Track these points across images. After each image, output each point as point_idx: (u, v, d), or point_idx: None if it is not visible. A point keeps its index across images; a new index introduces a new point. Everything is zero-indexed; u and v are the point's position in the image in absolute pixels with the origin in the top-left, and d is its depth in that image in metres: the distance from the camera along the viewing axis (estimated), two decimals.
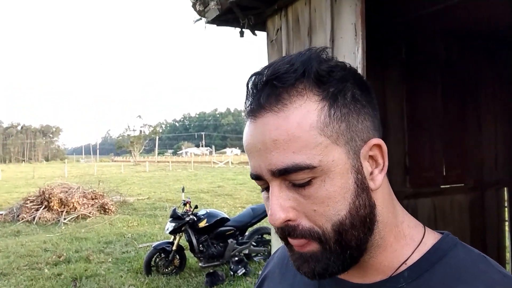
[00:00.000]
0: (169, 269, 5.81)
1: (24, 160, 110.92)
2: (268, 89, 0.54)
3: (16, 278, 5.84)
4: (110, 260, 6.74)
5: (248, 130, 0.57)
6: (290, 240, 0.57)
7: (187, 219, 5.78)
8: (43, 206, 10.52)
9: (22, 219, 10.22)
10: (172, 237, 5.86)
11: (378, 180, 0.57)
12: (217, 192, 16.14)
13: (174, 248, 5.76)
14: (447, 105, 3.71)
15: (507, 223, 4.21)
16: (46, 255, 7.06)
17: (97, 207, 11.18)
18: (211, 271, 5.59)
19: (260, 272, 0.84)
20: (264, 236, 6.35)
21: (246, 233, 6.30)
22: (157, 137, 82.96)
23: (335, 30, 2.36)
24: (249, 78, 0.57)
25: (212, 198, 14.51)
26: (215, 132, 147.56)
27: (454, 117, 3.76)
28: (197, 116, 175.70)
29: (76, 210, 10.60)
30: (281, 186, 0.55)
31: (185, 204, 6.02)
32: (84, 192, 11.27)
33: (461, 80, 3.79)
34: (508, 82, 4.06)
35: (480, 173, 3.93)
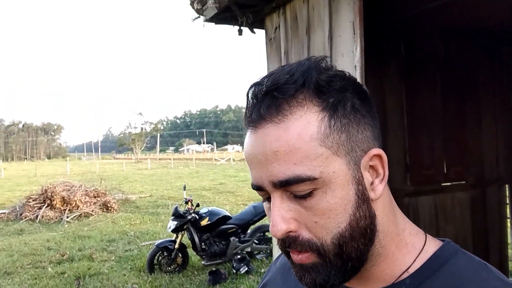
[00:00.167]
0: (172, 267, 5.83)
1: (26, 158, 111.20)
2: (268, 100, 0.54)
3: (20, 277, 5.87)
4: (113, 258, 6.77)
5: (249, 140, 0.57)
6: (292, 253, 0.57)
7: (189, 217, 5.79)
8: (46, 205, 10.55)
9: (25, 217, 10.26)
10: (175, 235, 5.88)
11: (379, 190, 0.57)
12: (219, 190, 16.16)
13: (176, 246, 5.78)
14: (447, 102, 3.70)
15: (508, 220, 4.21)
16: (49, 254, 7.09)
17: (100, 205, 11.21)
18: (214, 269, 5.61)
19: (262, 277, 0.84)
20: (266, 234, 6.36)
21: (248, 231, 6.32)
22: (159, 134, 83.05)
23: (333, 28, 2.36)
24: (249, 88, 0.58)
25: (214, 195, 14.53)
26: (216, 129, 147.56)
27: (454, 114, 3.75)
28: (198, 113, 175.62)
29: (79, 208, 10.63)
30: (282, 197, 0.55)
31: (186, 203, 6.03)
32: (87, 190, 11.30)
33: (460, 77, 3.78)
34: (508, 79, 4.05)
35: (481, 170, 3.92)
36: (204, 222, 5.90)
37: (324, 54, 2.47)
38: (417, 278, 0.58)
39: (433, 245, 0.61)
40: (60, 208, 10.50)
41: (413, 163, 3.51)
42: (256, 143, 0.56)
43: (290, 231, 0.55)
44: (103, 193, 11.73)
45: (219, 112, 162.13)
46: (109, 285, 5.38)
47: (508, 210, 4.20)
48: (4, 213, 10.90)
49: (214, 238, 5.97)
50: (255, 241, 6.23)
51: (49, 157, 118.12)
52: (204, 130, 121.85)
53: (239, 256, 5.83)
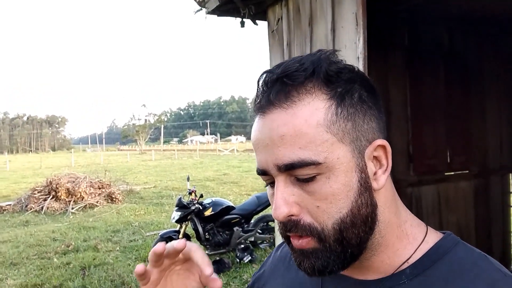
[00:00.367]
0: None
1: (31, 150, 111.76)
2: (278, 86, 0.56)
3: (26, 268, 5.95)
4: (118, 248, 6.83)
5: (257, 126, 0.59)
6: (292, 238, 0.58)
7: (193, 208, 5.83)
8: (51, 196, 10.63)
9: (31, 209, 10.35)
10: (178, 225, 5.92)
11: (381, 181, 0.58)
12: (223, 180, 16.22)
13: (180, 236, 5.81)
14: (451, 92, 3.68)
15: None
16: (54, 245, 7.17)
17: (104, 196, 11.28)
18: (218, 258, 5.66)
19: (258, 269, 0.85)
20: (270, 223, 6.40)
21: (252, 221, 6.35)
22: (162, 126, 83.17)
23: (336, 20, 2.34)
24: (260, 76, 0.59)
25: (218, 186, 14.58)
26: (220, 120, 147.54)
27: (458, 104, 3.73)
28: (201, 104, 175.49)
29: (84, 199, 10.71)
30: (286, 181, 0.56)
31: (190, 193, 6.06)
32: (91, 182, 11.37)
33: (465, 67, 3.76)
34: None
35: (484, 160, 3.92)
36: (208, 213, 5.94)
37: (327, 46, 2.47)
38: (417, 268, 0.58)
39: (434, 236, 0.62)
40: (65, 200, 10.58)
41: (417, 153, 3.51)
42: (263, 128, 0.57)
43: (292, 215, 0.56)
44: (107, 184, 11.80)
45: (222, 103, 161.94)
46: (114, 275, 5.44)
47: (511, 199, 4.20)
48: (10, 204, 11.00)
49: (218, 228, 6.01)
50: (259, 230, 6.27)
51: (53, 149, 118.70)
52: (207, 121, 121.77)
53: (242, 246, 5.88)
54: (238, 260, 5.69)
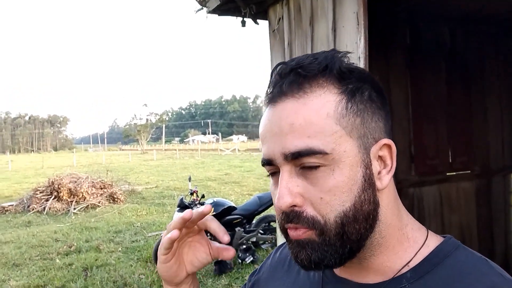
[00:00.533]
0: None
1: (33, 150, 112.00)
2: (292, 77, 0.57)
3: (28, 268, 5.96)
4: (120, 249, 6.84)
5: (266, 116, 0.60)
6: (289, 230, 0.58)
7: (195, 208, 5.82)
8: (53, 197, 10.65)
9: (33, 209, 10.37)
10: None
11: (385, 181, 0.58)
12: (224, 180, 16.22)
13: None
14: (452, 91, 3.67)
15: None
16: (57, 245, 7.18)
17: (106, 197, 11.30)
18: (219, 259, 5.65)
19: (254, 271, 0.84)
20: (271, 224, 6.40)
21: (253, 221, 6.35)
22: (164, 125, 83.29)
23: (337, 19, 2.34)
24: (274, 68, 0.60)
25: (220, 186, 14.59)
26: (221, 119, 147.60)
27: (460, 104, 3.72)
28: (203, 103, 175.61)
29: (86, 200, 10.72)
30: (291, 171, 0.56)
31: (192, 193, 6.06)
32: (93, 182, 11.38)
33: (466, 66, 3.74)
34: None
35: (486, 160, 3.90)
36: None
37: (328, 45, 2.46)
38: (418, 272, 0.58)
39: (434, 240, 0.62)
40: (67, 200, 10.60)
41: (418, 153, 3.50)
42: (273, 117, 0.58)
43: (295, 205, 0.56)
44: (109, 184, 11.82)
45: (224, 103, 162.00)
46: (116, 276, 5.44)
47: None
48: (12, 205, 11.02)
49: None
50: (260, 231, 6.26)
51: (55, 149, 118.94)
52: (209, 120, 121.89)
53: (244, 246, 5.87)
54: (240, 261, 5.69)
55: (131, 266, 5.85)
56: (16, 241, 7.58)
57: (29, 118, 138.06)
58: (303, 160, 0.55)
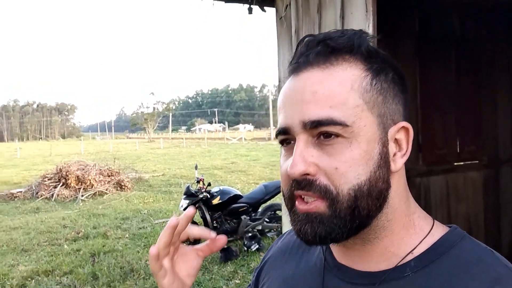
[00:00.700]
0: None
1: (41, 138, 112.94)
2: (320, 48, 0.57)
3: (36, 254, 6.05)
4: (127, 236, 6.91)
5: (288, 85, 0.59)
6: (298, 202, 0.57)
7: (201, 196, 5.86)
8: (61, 184, 10.76)
9: (41, 196, 10.49)
10: None
11: (399, 164, 0.58)
12: (231, 169, 16.27)
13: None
14: (462, 80, 3.62)
15: None
16: (65, 231, 7.27)
17: (114, 184, 11.39)
18: (225, 246, 5.70)
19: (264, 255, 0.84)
20: (277, 212, 6.42)
21: (259, 210, 6.38)
22: (171, 114, 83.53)
23: (345, 6, 2.30)
24: (301, 40, 0.60)
25: (226, 174, 14.64)
26: (228, 108, 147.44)
27: (469, 93, 3.67)
28: (209, 92, 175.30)
29: (93, 187, 10.82)
30: (307, 141, 0.56)
31: (198, 182, 6.09)
32: (101, 169, 11.47)
33: (476, 55, 3.69)
34: None
35: (495, 150, 3.86)
36: (216, 201, 5.97)
37: None
38: (422, 260, 0.58)
39: (440, 230, 0.61)
40: (75, 187, 10.70)
41: (426, 142, 3.47)
42: (295, 85, 0.58)
43: (308, 174, 0.55)
44: (117, 172, 11.90)
45: (230, 92, 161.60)
46: (123, 262, 5.50)
47: None
48: (21, 191, 11.15)
49: (226, 216, 6.05)
50: (266, 219, 6.29)
51: (63, 137, 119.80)
52: (215, 109, 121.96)
53: (250, 234, 5.91)
54: (245, 249, 5.73)
55: (138, 252, 5.92)
56: (24, 227, 7.69)
57: (37, 106, 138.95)
58: (322, 129, 0.54)
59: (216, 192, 6.10)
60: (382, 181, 0.56)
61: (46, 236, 7.04)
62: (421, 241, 0.59)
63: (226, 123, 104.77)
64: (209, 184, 6.20)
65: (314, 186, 0.55)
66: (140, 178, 13.30)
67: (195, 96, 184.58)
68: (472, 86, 3.70)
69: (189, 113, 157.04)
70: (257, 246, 5.72)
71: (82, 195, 10.42)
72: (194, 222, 5.89)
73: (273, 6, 3.06)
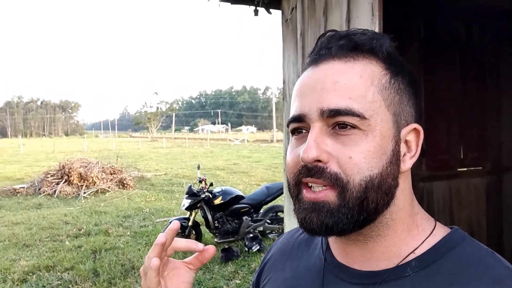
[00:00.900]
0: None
1: (44, 135, 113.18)
2: (342, 41, 0.58)
3: (38, 249, 6.07)
4: (128, 233, 6.93)
5: (306, 74, 0.60)
6: (305, 190, 0.57)
7: (203, 196, 5.88)
8: (63, 180, 10.80)
9: (43, 192, 10.53)
10: (188, 213, 5.98)
11: (408, 164, 0.59)
12: (233, 170, 16.28)
13: (190, 223, 5.88)
14: (466, 86, 3.63)
15: None
16: (66, 228, 7.30)
17: (116, 182, 11.42)
18: (226, 246, 5.71)
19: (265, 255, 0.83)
20: (279, 214, 6.42)
21: (261, 211, 6.38)
22: (174, 114, 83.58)
23: (351, 10, 2.32)
24: (322, 35, 0.62)
25: (228, 175, 14.65)
26: (231, 109, 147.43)
27: (473, 99, 3.68)
28: (213, 93, 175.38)
29: (95, 184, 10.85)
30: (322, 129, 0.56)
31: (200, 181, 6.11)
32: (103, 167, 11.50)
33: (481, 61, 3.69)
34: None
35: (498, 156, 3.86)
36: (218, 201, 5.99)
37: None
38: (424, 261, 0.58)
39: (441, 231, 0.62)
40: (77, 184, 10.73)
41: (429, 147, 3.47)
42: (315, 74, 0.58)
43: (320, 161, 0.55)
44: (119, 170, 11.93)
45: (234, 93, 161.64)
46: (124, 259, 5.52)
47: None
48: (23, 187, 11.20)
49: (227, 216, 6.06)
50: (268, 220, 6.30)
51: (66, 134, 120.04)
52: (219, 110, 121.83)
53: (251, 235, 5.92)
54: (246, 249, 5.73)
55: (139, 250, 5.94)
56: (26, 223, 7.72)
57: (41, 103, 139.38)
58: (340, 119, 0.55)
59: (218, 192, 6.12)
60: (392, 178, 0.57)
61: (48, 232, 7.06)
62: (423, 242, 0.59)
63: (229, 124, 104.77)
64: (211, 184, 6.22)
65: (325, 174, 0.55)
66: (143, 176, 13.33)
67: (198, 96, 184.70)
68: (476, 92, 3.71)
69: (192, 114, 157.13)
70: (258, 247, 5.73)
71: (84, 192, 10.45)
72: (196, 222, 5.92)
73: (279, 9, 3.06)
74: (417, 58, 3.44)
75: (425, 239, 0.60)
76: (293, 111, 0.60)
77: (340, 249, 0.65)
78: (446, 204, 3.57)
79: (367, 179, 0.55)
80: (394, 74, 0.58)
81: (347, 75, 0.56)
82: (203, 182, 6.08)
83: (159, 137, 61.97)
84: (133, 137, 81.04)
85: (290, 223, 2.98)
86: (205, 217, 5.98)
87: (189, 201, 5.87)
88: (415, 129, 0.60)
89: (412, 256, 0.59)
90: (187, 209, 5.91)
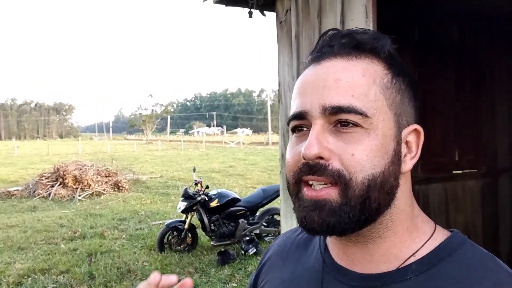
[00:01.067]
0: (182, 246, 5.93)
1: (38, 137, 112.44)
2: (345, 40, 0.58)
3: (33, 252, 6.03)
4: (124, 236, 6.90)
5: (308, 72, 0.60)
6: (305, 189, 0.56)
7: (199, 198, 5.87)
8: (58, 183, 10.73)
9: (38, 195, 10.46)
10: (184, 215, 5.97)
11: (408, 165, 0.59)
12: (229, 172, 16.25)
13: (186, 226, 5.87)
14: (461, 89, 3.65)
15: None
16: (62, 231, 7.25)
17: (111, 185, 11.36)
18: (223, 249, 5.70)
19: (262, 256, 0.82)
20: (275, 216, 6.42)
21: (257, 214, 6.38)
22: (169, 116, 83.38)
23: (345, 12, 2.33)
24: (324, 33, 0.61)
25: (224, 178, 14.62)
26: (226, 112, 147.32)
27: (468, 102, 3.70)
28: (208, 96, 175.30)
29: (90, 187, 10.80)
30: (324, 127, 0.55)
31: (196, 184, 6.10)
32: (98, 170, 11.46)
33: (476, 64, 3.72)
34: None
35: (493, 159, 3.89)
36: (214, 204, 5.98)
37: None
38: (424, 264, 0.57)
39: (441, 234, 0.61)
40: (72, 187, 10.68)
41: (425, 150, 3.43)
42: (317, 72, 0.58)
43: (322, 158, 0.54)
44: (114, 172, 11.88)
45: (229, 96, 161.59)
46: (120, 262, 5.50)
47: None
48: (18, 190, 11.12)
49: (223, 219, 6.05)
50: (264, 223, 6.29)
51: (61, 137, 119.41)
52: (214, 113, 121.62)
53: (247, 238, 5.91)
54: (243, 252, 5.72)
55: (135, 253, 5.91)
56: (21, 225, 7.66)
57: (35, 105, 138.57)
58: (342, 116, 0.54)
59: (214, 195, 6.11)
60: (394, 178, 0.57)
61: (43, 234, 7.02)
62: (423, 244, 0.59)
63: (225, 126, 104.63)
64: (207, 187, 6.21)
65: (327, 171, 0.54)
66: (138, 179, 13.28)
67: (193, 99, 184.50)
68: (471, 95, 3.73)
69: (187, 116, 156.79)
70: (254, 250, 5.72)
71: (79, 195, 10.40)
72: (192, 225, 5.91)
73: (273, 11, 3.07)
74: (411, 62, 3.45)
75: (425, 242, 0.59)
76: (294, 109, 0.59)
77: (339, 251, 0.64)
78: (442, 207, 3.58)
79: (370, 178, 0.54)
80: (395, 74, 0.58)
81: (350, 73, 0.56)
82: (198, 185, 6.07)
83: (154, 140, 61.77)
84: (128, 139, 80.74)
85: (287, 225, 2.98)
86: (201, 220, 5.97)
87: (185, 203, 5.85)
88: (415, 129, 0.60)
89: (412, 259, 0.58)
90: (183, 211, 5.89)
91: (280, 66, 2.99)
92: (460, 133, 3.67)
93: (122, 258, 5.67)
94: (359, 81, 0.55)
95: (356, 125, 0.54)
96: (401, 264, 0.58)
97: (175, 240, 5.93)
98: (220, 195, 6.13)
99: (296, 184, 0.58)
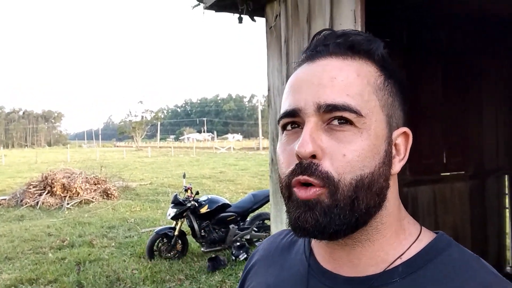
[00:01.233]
0: (172, 253, 5.88)
1: (26, 145, 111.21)
2: (341, 40, 0.58)
3: (20, 262, 5.93)
4: (113, 244, 6.82)
5: (302, 70, 0.60)
6: (298, 189, 0.55)
7: (189, 205, 5.83)
8: (46, 191, 10.59)
9: (26, 204, 10.31)
10: (174, 222, 5.92)
11: (397, 167, 0.59)
12: (219, 178, 16.20)
13: (176, 233, 5.82)
14: (448, 91, 3.69)
15: (507, 210, 4.22)
16: (50, 240, 7.15)
17: (100, 192, 11.25)
18: (213, 256, 5.66)
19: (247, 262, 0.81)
20: (265, 221, 6.40)
21: (248, 219, 6.36)
22: (159, 123, 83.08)
23: (334, 17, 2.34)
24: (318, 33, 0.62)
25: (214, 183, 14.57)
26: (216, 118, 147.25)
27: (455, 105, 3.74)
28: (198, 101, 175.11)
29: (79, 195, 10.68)
30: (317, 124, 0.55)
31: (186, 190, 6.06)
32: (87, 177, 11.34)
33: (463, 67, 3.76)
34: (510, 69, 4.03)
35: (480, 161, 3.93)
36: (204, 210, 5.94)
37: None
38: (410, 266, 0.57)
39: (427, 236, 0.61)
40: (60, 195, 10.54)
41: (413, 153, 3.47)
42: (312, 70, 0.58)
43: (315, 157, 0.54)
44: (103, 180, 11.77)
45: (219, 101, 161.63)
46: (109, 270, 5.43)
47: (507, 200, 4.21)
48: (5, 199, 10.95)
49: (214, 225, 6.02)
50: (254, 228, 6.27)
51: (49, 145, 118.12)
52: (204, 119, 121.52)
53: (238, 243, 5.88)
54: (233, 258, 5.69)
55: (124, 261, 5.84)
56: (8, 235, 7.54)
57: (23, 113, 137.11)
58: (337, 114, 0.54)
59: (204, 201, 6.08)
60: (384, 179, 0.57)
61: (31, 244, 6.91)
62: (409, 247, 0.59)
63: (215, 132, 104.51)
64: (197, 193, 6.18)
65: (317, 172, 0.53)
66: (127, 186, 13.17)
67: (184, 105, 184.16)
68: (459, 97, 3.77)
69: (177, 122, 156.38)
70: (245, 256, 5.69)
71: (68, 203, 10.27)
72: (182, 231, 5.87)
73: (263, 16, 3.08)
74: (400, 65, 3.48)
75: (411, 244, 0.59)
76: (286, 106, 0.58)
77: (325, 254, 0.63)
78: (431, 209, 3.60)
79: (357, 178, 0.54)
80: (387, 76, 0.59)
81: (345, 72, 0.56)
82: (189, 191, 6.03)
83: (144, 146, 61.46)
84: (117, 146, 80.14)
85: (277, 230, 2.96)
86: (191, 226, 5.93)
87: (175, 210, 5.81)
88: (404, 132, 0.60)
89: (399, 262, 0.58)
90: (173, 218, 5.85)
91: (270, 71, 2.99)
92: (448, 135, 3.70)
93: (111, 266, 5.60)
94: (354, 81, 0.56)
95: (350, 123, 0.54)
96: (388, 267, 0.58)
97: (165, 247, 5.87)
98: (210, 201, 6.10)
99: (288, 187, 0.57)
